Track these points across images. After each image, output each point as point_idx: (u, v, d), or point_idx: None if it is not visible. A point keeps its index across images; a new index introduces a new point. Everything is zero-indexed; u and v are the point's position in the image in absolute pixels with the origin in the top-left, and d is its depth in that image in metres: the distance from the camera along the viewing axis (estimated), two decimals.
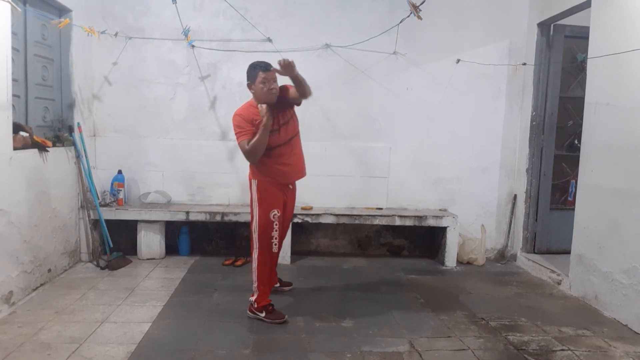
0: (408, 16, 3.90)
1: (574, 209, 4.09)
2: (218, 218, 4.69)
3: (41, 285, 3.84)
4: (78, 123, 4.49)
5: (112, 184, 4.78)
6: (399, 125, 5.05)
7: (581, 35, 4.39)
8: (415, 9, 3.26)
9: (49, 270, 3.97)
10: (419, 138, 5.07)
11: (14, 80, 3.50)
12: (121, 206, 4.72)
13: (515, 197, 5.12)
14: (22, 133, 3.59)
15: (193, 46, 4.84)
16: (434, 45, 4.98)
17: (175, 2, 4.13)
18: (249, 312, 3.39)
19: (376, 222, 4.82)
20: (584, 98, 4.00)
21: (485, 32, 4.99)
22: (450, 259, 4.78)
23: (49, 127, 4.26)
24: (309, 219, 4.74)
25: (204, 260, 4.75)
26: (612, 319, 3.56)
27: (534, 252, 4.93)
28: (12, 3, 3.18)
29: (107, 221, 4.56)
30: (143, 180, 4.96)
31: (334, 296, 3.90)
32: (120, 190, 4.76)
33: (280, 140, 3.36)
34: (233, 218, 4.69)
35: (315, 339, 3.11)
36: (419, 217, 4.81)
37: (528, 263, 4.78)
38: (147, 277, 4.22)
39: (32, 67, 3.97)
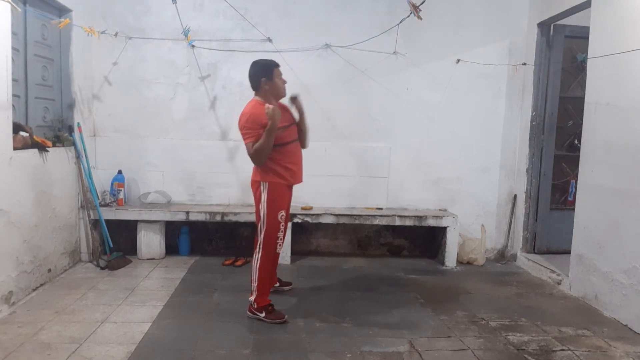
0: (408, 16, 3.89)
1: (574, 209, 4.09)
2: (218, 218, 4.69)
3: (41, 285, 3.84)
4: (78, 123, 4.49)
5: (112, 184, 4.78)
6: (399, 125, 5.05)
7: (581, 35, 4.39)
8: (415, 9, 3.26)
9: (49, 270, 3.97)
10: (419, 138, 5.07)
11: (14, 80, 3.50)
12: (121, 206, 4.72)
13: (515, 197, 5.12)
14: (22, 133, 3.59)
15: (193, 46, 4.84)
16: (434, 45, 4.98)
17: (175, 2, 4.13)
18: (249, 312, 3.39)
19: (376, 222, 4.82)
20: (584, 98, 4.00)
21: (485, 32, 4.99)
22: (450, 259, 4.79)
23: (49, 127, 4.26)
24: (309, 219, 4.74)
25: (204, 260, 4.75)
26: (612, 319, 3.56)
27: (534, 252, 4.93)
28: (12, 3, 3.18)
29: (107, 221, 4.56)
30: (143, 180, 4.96)
31: (334, 296, 3.89)
32: (120, 190, 4.76)
33: (291, 137, 3.39)
34: (233, 218, 4.69)
35: (315, 339, 3.11)
36: (419, 217, 4.81)
37: (528, 263, 4.78)
38: (147, 277, 4.22)
39: (32, 67, 3.97)
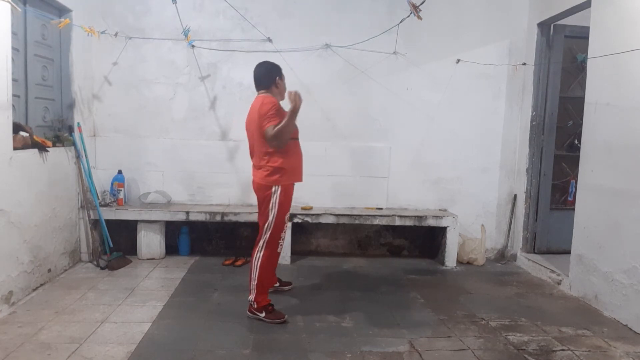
0: (408, 16, 3.89)
1: (574, 209, 4.09)
2: (218, 218, 4.69)
3: (41, 285, 3.84)
4: (78, 123, 4.49)
5: (112, 184, 4.79)
6: (399, 125, 5.05)
7: (581, 35, 4.40)
8: (415, 9, 3.26)
9: (49, 270, 3.97)
10: (419, 138, 5.07)
11: (14, 80, 3.50)
12: (121, 206, 4.72)
13: (515, 197, 5.13)
14: (22, 133, 3.59)
15: (193, 46, 4.84)
16: (434, 45, 4.98)
17: (175, 2, 4.13)
18: (249, 312, 3.39)
19: (376, 222, 4.82)
20: (584, 98, 4.00)
21: (485, 32, 4.99)
22: (450, 259, 4.79)
23: (49, 127, 4.26)
24: (309, 219, 4.74)
25: (204, 260, 4.75)
26: (612, 319, 3.56)
27: (534, 252, 4.93)
28: (12, 3, 3.18)
29: (107, 221, 4.56)
30: (143, 180, 4.96)
31: (334, 296, 3.89)
32: (120, 190, 4.76)
33: (294, 135, 3.42)
34: (233, 218, 4.69)
35: (315, 339, 3.11)
36: (419, 217, 4.81)
37: (528, 263, 4.78)
38: (147, 277, 4.22)
39: (32, 67, 3.97)
